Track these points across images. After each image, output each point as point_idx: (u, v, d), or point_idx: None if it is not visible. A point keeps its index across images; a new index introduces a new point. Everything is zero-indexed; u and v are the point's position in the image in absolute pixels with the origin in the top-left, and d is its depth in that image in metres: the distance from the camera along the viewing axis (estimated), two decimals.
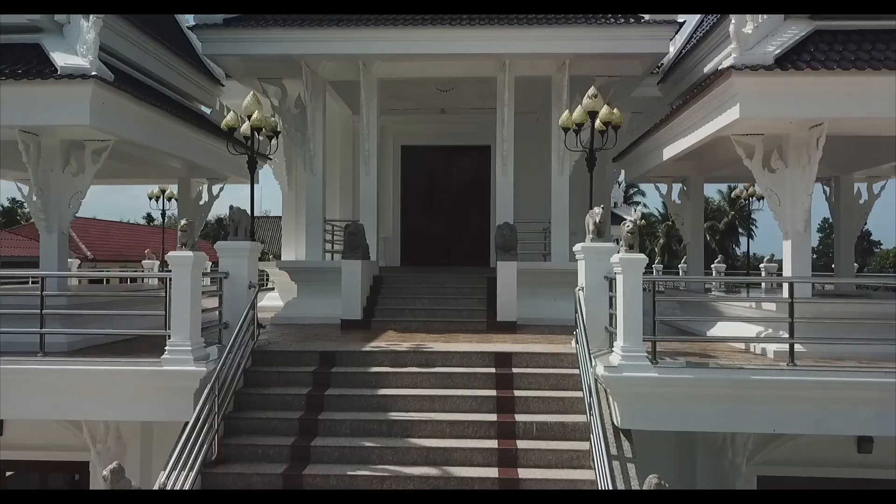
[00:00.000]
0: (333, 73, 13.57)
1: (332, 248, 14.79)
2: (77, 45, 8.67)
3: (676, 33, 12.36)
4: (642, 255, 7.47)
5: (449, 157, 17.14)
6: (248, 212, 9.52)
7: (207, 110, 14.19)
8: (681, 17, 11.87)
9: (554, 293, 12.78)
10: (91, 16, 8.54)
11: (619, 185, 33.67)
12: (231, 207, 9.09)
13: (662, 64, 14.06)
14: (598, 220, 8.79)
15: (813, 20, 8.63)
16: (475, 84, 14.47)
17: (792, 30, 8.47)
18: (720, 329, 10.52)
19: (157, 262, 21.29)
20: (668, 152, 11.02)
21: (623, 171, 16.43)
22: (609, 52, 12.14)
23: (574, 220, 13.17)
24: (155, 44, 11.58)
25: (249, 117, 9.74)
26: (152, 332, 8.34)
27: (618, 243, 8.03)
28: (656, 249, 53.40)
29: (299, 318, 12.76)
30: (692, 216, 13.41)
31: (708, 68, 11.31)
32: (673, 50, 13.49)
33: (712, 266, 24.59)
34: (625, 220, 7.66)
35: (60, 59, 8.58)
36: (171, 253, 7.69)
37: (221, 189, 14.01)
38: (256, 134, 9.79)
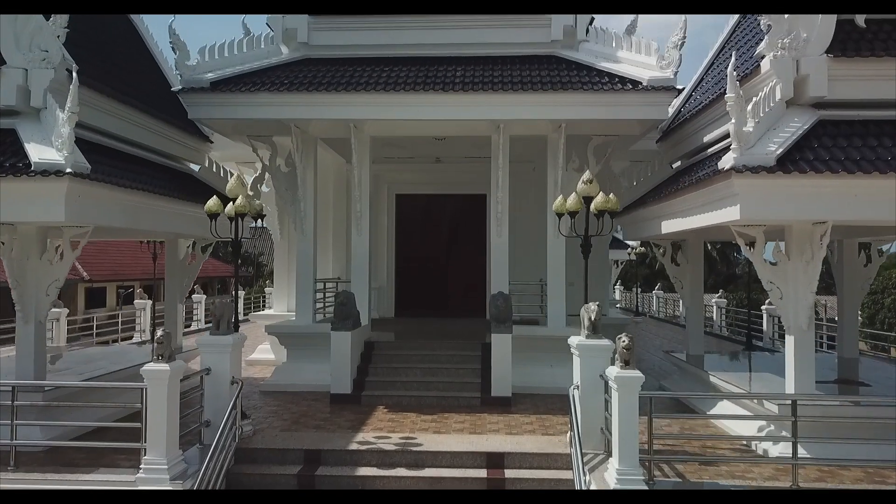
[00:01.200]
0: (324, 130, 13.25)
1: (325, 306, 14.47)
2: (52, 136, 8.35)
3: (676, 97, 12.04)
4: (638, 374, 7.15)
5: (444, 206, 16.83)
6: (230, 301, 9.20)
7: (196, 167, 13.88)
8: (681, 84, 11.53)
9: (550, 359, 12.48)
10: (67, 108, 8.21)
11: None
12: (213, 302, 8.77)
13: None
14: (593, 317, 8.46)
15: (817, 110, 8.30)
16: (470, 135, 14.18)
17: (795, 122, 8.14)
18: (721, 409, 10.21)
19: (149, 303, 20.98)
20: (667, 227, 10.69)
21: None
22: (606, 119, 11.82)
23: (570, 270, 12.85)
24: (136, 112, 11.25)
25: (234, 200, 9.42)
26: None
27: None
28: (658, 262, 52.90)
29: (289, 385, 12.45)
30: (691, 279, 13.07)
31: (708, 138, 10.98)
32: (672, 108, 13.16)
33: (712, 301, 24.27)
34: (621, 337, 7.33)
35: (35, 152, 8.25)
36: (146, 367, 7.38)
37: (210, 246, 13.69)
38: (240, 220, 9.46)
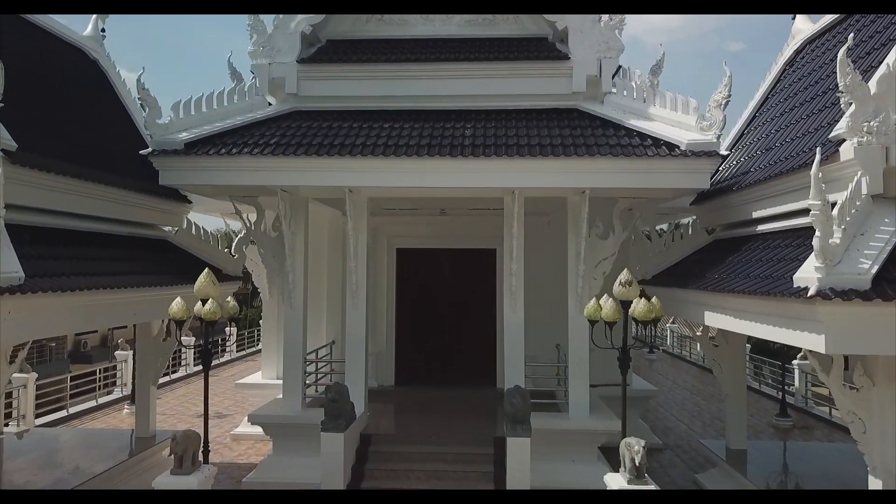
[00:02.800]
0: (316, 192, 11.75)
1: (317, 379, 12.96)
2: None
3: (721, 165, 10.56)
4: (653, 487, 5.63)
5: (450, 262, 15.30)
6: (198, 433, 7.67)
7: (173, 229, 12.40)
8: (724, 149, 10.04)
9: (572, 453, 10.97)
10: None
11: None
12: (173, 438, 7.26)
13: None
14: (637, 459, 6.92)
15: None
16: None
17: (886, 225, 6.60)
18: None
19: (130, 353, 19.43)
20: (714, 320, 9.15)
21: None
22: (637, 188, 10.33)
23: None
24: (96, 184, 9.73)
25: (204, 301, 7.91)
26: None
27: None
28: None
29: (276, 482, 10.90)
30: (733, 363, 11.54)
31: (760, 213, 9.48)
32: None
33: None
34: (630, 443, 5.78)
35: None
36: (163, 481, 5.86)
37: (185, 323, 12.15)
38: (210, 327, 7.96)
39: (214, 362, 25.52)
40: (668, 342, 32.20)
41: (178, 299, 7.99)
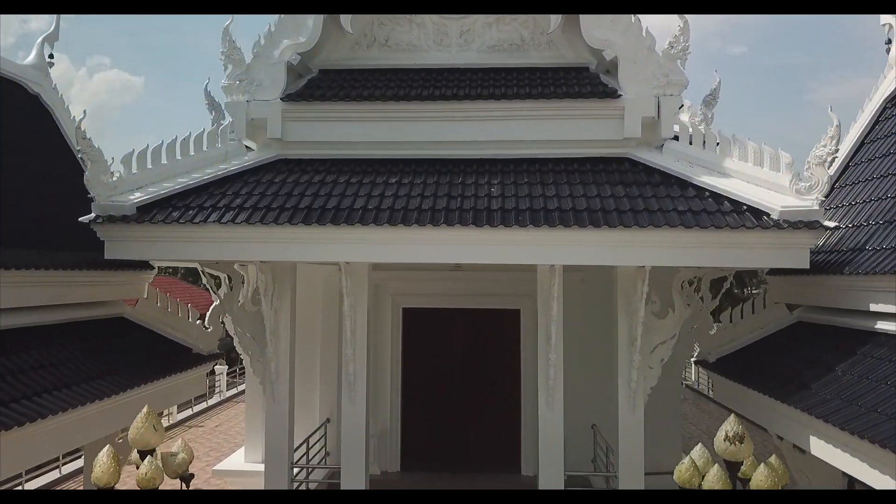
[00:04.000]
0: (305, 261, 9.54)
1: (307, 475, 10.74)
2: None
3: (826, 236, 8.36)
4: None
5: (465, 324, 13.03)
6: None
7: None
8: (830, 222, 7.83)
9: None
10: None
11: None
12: None
13: None
14: None
15: None
16: None
17: None
18: None
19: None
20: (824, 452, 6.91)
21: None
22: (711, 265, 8.13)
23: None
24: (27, 272, 7.54)
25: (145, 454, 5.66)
26: None
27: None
28: None
29: None
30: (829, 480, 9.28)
31: (883, 308, 7.27)
32: None
33: None
34: None
35: None
36: None
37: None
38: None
39: (198, 407, 23.31)
40: (694, 376, 29.80)
41: (100, 460, 5.68)
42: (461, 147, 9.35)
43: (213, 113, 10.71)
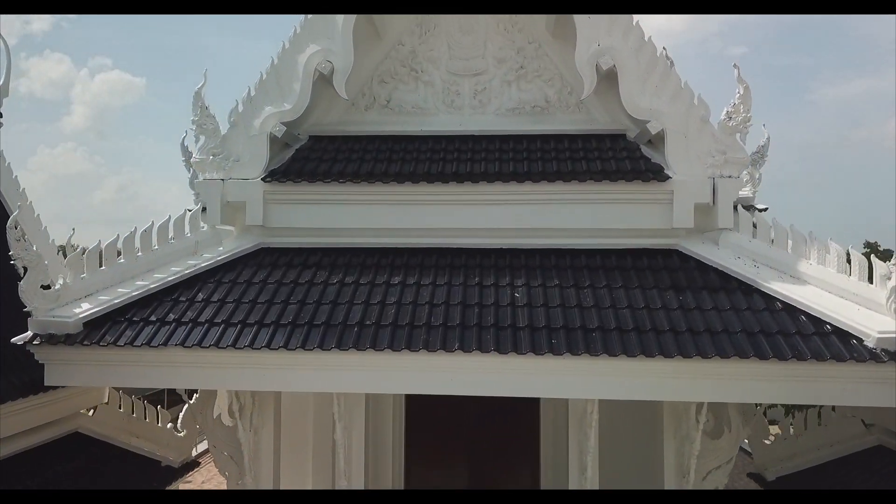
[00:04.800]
0: None
1: None
2: None
3: None
4: None
5: (478, 413, 11.49)
6: None
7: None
8: None
9: None
10: None
11: None
12: None
13: None
14: None
15: None
16: None
17: None
18: None
19: None
20: None
21: None
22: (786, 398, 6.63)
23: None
24: None
25: None
26: None
27: None
28: None
29: None
30: None
31: None
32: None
33: None
34: None
35: None
36: None
37: None
38: None
39: None
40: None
41: None
42: (477, 234, 7.86)
43: (191, 172, 9.25)
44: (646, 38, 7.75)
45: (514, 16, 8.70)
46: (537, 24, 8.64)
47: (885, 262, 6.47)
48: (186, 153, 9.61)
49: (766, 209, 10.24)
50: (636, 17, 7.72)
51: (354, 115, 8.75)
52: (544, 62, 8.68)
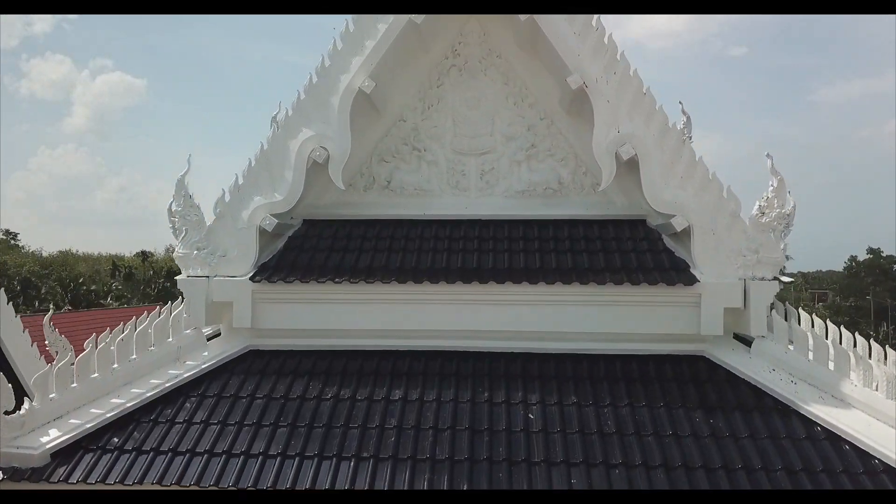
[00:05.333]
0: None
1: None
2: None
3: None
4: None
5: None
6: None
7: None
8: None
9: None
10: None
11: None
12: None
13: None
14: None
15: None
16: None
17: None
18: None
19: None
20: None
21: None
22: None
23: None
24: None
25: None
26: None
27: None
28: None
29: None
30: None
31: None
32: None
33: None
34: None
35: None
36: None
37: None
38: None
39: None
40: None
41: None
42: (486, 337, 7.20)
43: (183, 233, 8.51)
44: (670, 124, 7.10)
45: (524, 89, 8.06)
46: (550, 98, 7.99)
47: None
48: (171, 218, 8.91)
49: (792, 281, 9.53)
50: (659, 102, 7.06)
51: (352, 196, 8.10)
52: (557, 140, 8.03)
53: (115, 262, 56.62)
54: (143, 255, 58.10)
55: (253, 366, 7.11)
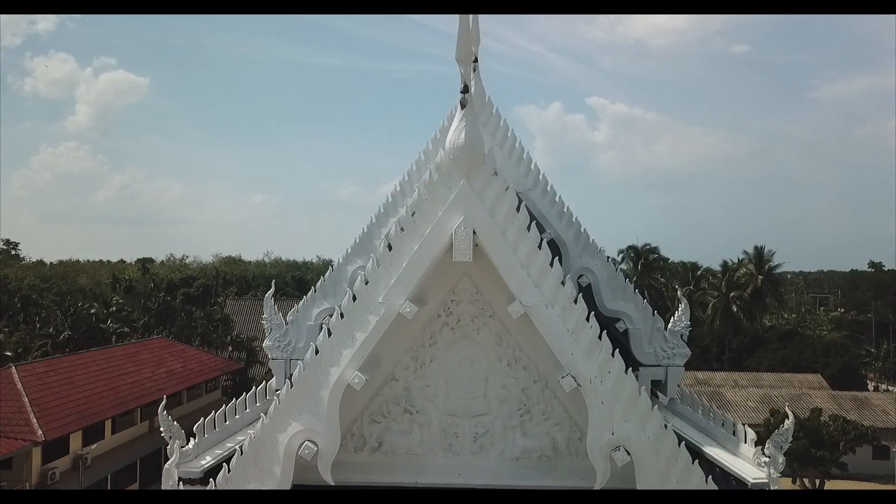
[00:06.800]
0: None
1: None
2: None
3: None
4: None
5: None
6: None
7: None
8: None
9: None
10: None
11: None
12: None
13: None
14: None
15: None
16: None
17: None
18: None
19: None
20: None
21: None
22: None
23: None
24: None
25: None
26: None
27: None
28: None
29: None
30: None
31: None
32: None
33: None
34: None
35: None
36: None
37: None
38: None
39: None
40: None
41: None
42: None
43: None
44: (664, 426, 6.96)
45: (518, 350, 7.90)
46: (544, 360, 7.81)
47: None
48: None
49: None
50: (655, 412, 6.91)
51: (343, 456, 7.89)
52: (552, 404, 7.89)
53: (116, 276, 56.56)
54: (144, 268, 58.08)
55: None
